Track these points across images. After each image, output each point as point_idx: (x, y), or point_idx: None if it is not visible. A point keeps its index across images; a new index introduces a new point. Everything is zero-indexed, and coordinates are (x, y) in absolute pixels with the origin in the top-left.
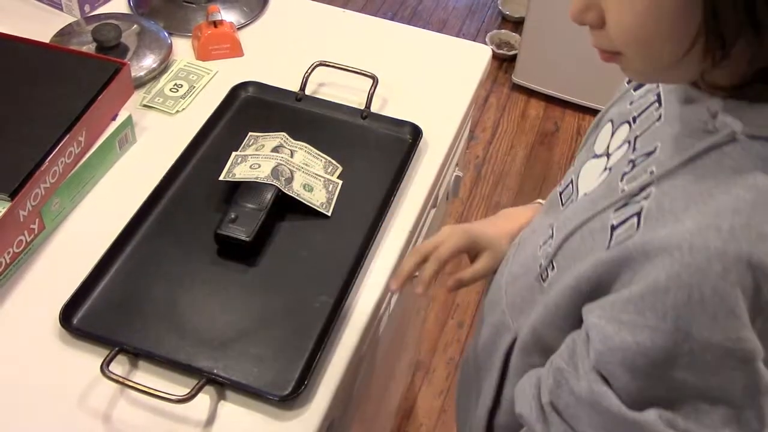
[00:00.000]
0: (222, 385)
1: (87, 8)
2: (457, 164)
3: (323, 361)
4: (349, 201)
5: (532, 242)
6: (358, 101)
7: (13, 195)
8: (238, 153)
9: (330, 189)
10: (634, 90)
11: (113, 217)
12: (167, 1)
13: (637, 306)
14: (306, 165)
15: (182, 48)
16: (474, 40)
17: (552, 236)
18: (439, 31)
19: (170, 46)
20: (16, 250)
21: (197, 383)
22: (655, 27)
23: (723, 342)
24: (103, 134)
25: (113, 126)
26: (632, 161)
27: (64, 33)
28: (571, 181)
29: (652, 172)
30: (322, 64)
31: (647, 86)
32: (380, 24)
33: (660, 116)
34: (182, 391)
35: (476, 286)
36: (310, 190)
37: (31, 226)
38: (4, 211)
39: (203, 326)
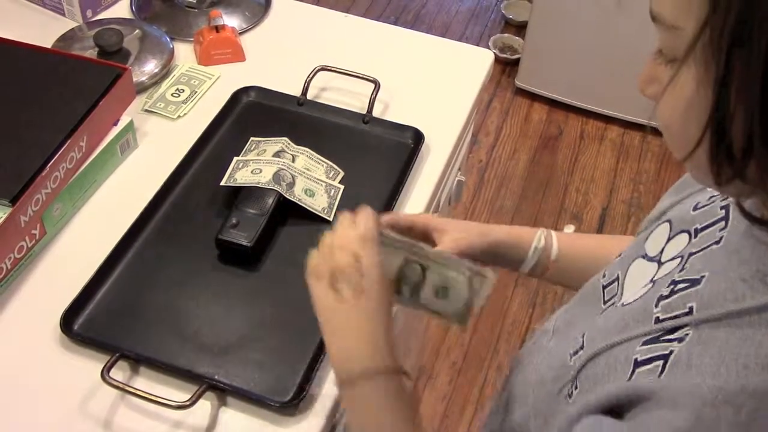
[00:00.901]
0: (223, 391)
1: (89, 13)
2: (459, 169)
3: (324, 367)
4: (351, 206)
5: (564, 345)
6: (359, 106)
7: (14, 200)
8: (239, 158)
9: (332, 194)
10: (699, 194)
11: (114, 223)
12: (169, 6)
13: None
14: (307, 170)
15: (184, 53)
16: (477, 45)
17: (582, 347)
18: (442, 35)
19: (172, 51)
20: (17, 256)
21: (198, 389)
22: (670, 113)
23: None
24: (105, 139)
25: (115, 131)
26: (674, 282)
27: (66, 38)
28: (617, 278)
29: (690, 310)
30: (323, 68)
31: (716, 193)
32: (382, 28)
33: (720, 239)
34: (183, 397)
35: None
36: (312, 195)
37: (32, 232)
38: (5, 216)
39: (204, 332)
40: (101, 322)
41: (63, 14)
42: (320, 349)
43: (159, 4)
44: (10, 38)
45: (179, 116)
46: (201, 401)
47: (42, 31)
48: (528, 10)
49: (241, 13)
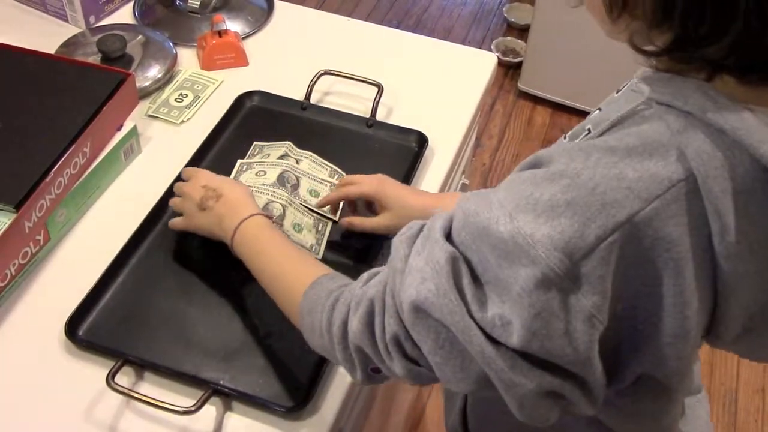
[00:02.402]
0: (228, 396)
1: (92, 19)
2: (463, 172)
3: (330, 372)
4: (355, 208)
5: None
6: (363, 109)
7: (18, 206)
8: (243, 161)
9: None
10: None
11: (119, 228)
12: (172, 11)
13: (506, 183)
14: (312, 172)
15: (187, 58)
16: (479, 48)
17: None
18: (444, 39)
19: (175, 56)
20: (22, 262)
21: (203, 394)
22: None
23: (528, 238)
24: (109, 145)
25: (118, 136)
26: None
27: (70, 44)
28: None
29: (589, 130)
30: (327, 72)
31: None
32: (385, 32)
33: (618, 91)
34: (188, 402)
35: None
36: (317, 195)
37: (37, 238)
38: (9, 222)
39: (209, 337)
40: (106, 328)
41: (66, 20)
42: None
43: (162, 10)
44: (14, 44)
45: (183, 121)
46: (206, 406)
47: (45, 37)
48: (530, 13)
49: (244, 17)
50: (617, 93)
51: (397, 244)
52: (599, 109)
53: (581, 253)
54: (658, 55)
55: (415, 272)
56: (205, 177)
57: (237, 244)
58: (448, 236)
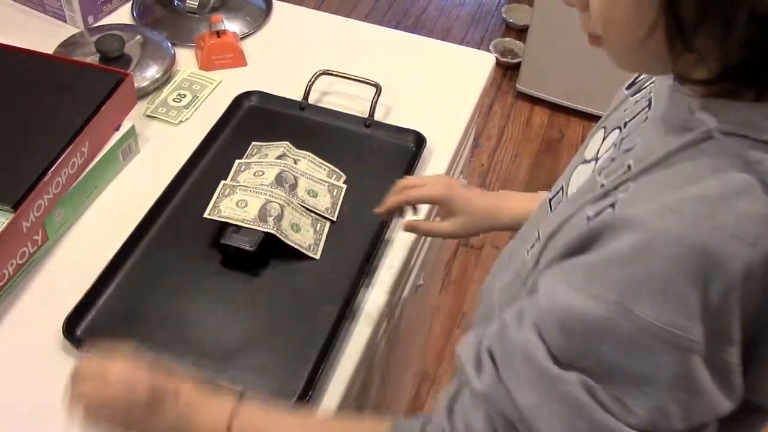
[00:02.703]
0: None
1: (90, 19)
2: (461, 172)
3: (328, 371)
4: (354, 209)
5: (521, 250)
6: (361, 110)
7: (16, 206)
8: (241, 161)
9: (335, 194)
10: (632, 96)
11: (117, 228)
12: (170, 11)
13: (588, 272)
14: (310, 172)
15: (185, 58)
16: (478, 48)
17: (538, 238)
18: (443, 39)
19: (173, 57)
20: (20, 262)
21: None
22: (620, 8)
23: (662, 325)
24: (107, 145)
25: (116, 136)
26: (611, 158)
27: (68, 44)
28: (562, 188)
29: (629, 167)
30: (325, 72)
31: (643, 92)
32: (383, 32)
33: (646, 118)
34: None
35: None
36: (315, 195)
37: (35, 238)
38: (7, 222)
39: (207, 336)
40: (104, 328)
41: (65, 20)
42: (324, 354)
43: (160, 10)
44: (12, 44)
45: (181, 121)
46: None
47: (44, 37)
48: (529, 14)
49: (242, 18)
50: (644, 123)
51: (484, 384)
52: (619, 128)
53: (712, 315)
54: (710, 84)
55: (543, 419)
56: (125, 372)
57: None
58: (556, 360)
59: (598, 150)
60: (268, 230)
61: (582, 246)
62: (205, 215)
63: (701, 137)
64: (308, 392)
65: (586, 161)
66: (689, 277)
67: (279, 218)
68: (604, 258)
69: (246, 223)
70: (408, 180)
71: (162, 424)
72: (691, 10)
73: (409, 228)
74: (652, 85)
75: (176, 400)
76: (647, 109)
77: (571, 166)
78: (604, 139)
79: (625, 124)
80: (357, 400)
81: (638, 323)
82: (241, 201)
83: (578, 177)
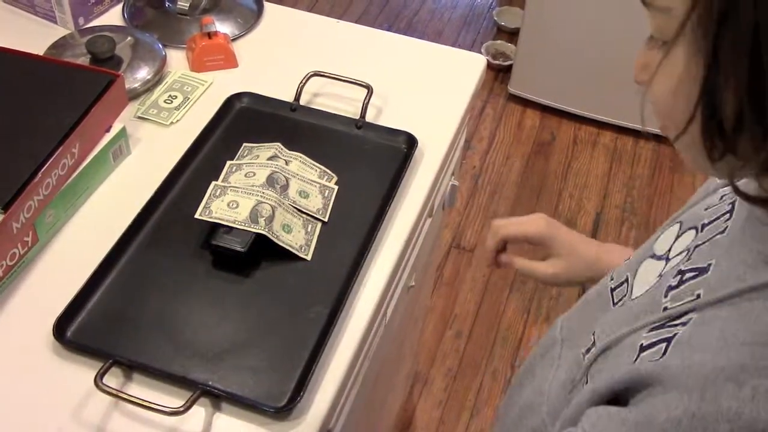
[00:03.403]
0: (217, 397)
1: (81, 21)
2: (453, 173)
3: (319, 372)
4: (345, 210)
5: (576, 348)
6: (352, 111)
7: (6, 207)
8: (233, 162)
9: (326, 195)
10: (722, 188)
11: (107, 229)
12: (161, 13)
13: (629, 429)
14: (301, 173)
15: (176, 59)
16: (470, 51)
17: (594, 344)
18: (435, 41)
19: (164, 58)
20: (9, 263)
21: (192, 395)
22: (661, 92)
23: None
24: (97, 146)
25: (107, 138)
26: (681, 273)
27: (59, 45)
28: (626, 279)
29: (698, 296)
30: (316, 74)
31: (725, 192)
32: (374, 34)
33: (725, 229)
34: (177, 403)
35: (475, 296)
36: (306, 196)
37: (25, 239)
38: None
39: (198, 338)
40: (94, 329)
41: (55, 22)
42: (315, 355)
43: (151, 12)
44: (2, 45)
45: (172, 122)
46: (195, 407)
47: (34, 38)
48: (520, 17)
49: (234, 19)
50: (721, 235)
51: None
52: (696, 228)
53: None
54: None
55: None
56: None
57: None
58: None
59: (671, 248)
60: (259, 231)
61: (625, 390)
62: (196, 216)
63: None
64: (299, 393)
65: (655, 256)
66: None
67: (270, 219)
68: (647, 418)
69: (237, 224)
70: (502, 220)
71: None
72: (729, 103)
73: (507, 263)
74: None
75: None
76: (728, 215)
77: (638, 256)
78: (678, 237)
79: (703, 227)
80: (347, 401)
81: None
82: (232, 202)
83: (645, 273)
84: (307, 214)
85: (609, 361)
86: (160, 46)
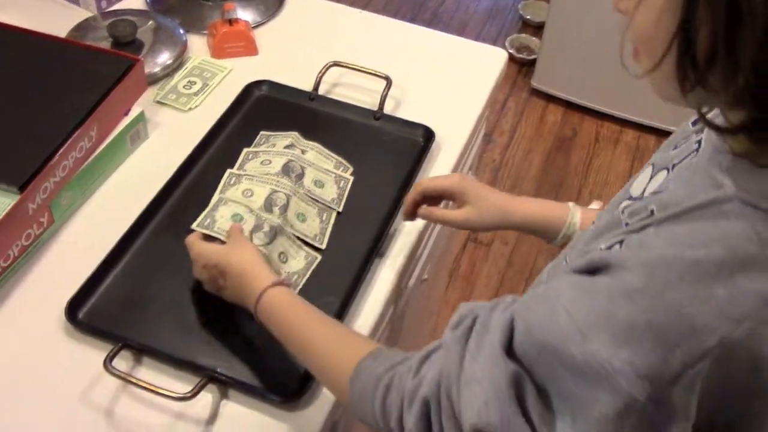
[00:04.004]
0: (224, 384)
1: (104, 4)
2: (470, 168)
3: None
4: (360, 201)
5: (551, 275)
6: (371, 102)
7: (22, 188)
8: (249, 149)
9: (341, 185)
10: (695, 135)
11: (123, 213)
12: None
13: (573, 288)
14: (317, 163)
15: (197, 45)
16: (494, 44)
17: (566, 263)
18: (459, 34)
19: (185, 43)
20: (25, 243)
21: (200, 381)
22: (644, 19)
23: (608, 366)
24: (115, 129)
25: (125, 121)
26: (642, 197)
27: (81, 28)
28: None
29: (652, 212)
30: (336, 64)
31: (696, 131)
32: (395, 25)
33: (690, 164)
34: (185, 388)
35: (491, 290)
36: (321, 186)
37: (40, 220)
38: (13, 203)
39: (208, 325)
40: (106, 312)
41: (78, 4)
42: None
43: None
44: (26, 27)
45: (190, 108)
46: (202, 393)
47: (57, 20)
48: (545, 11)
49: (255, 6)
50: (683, 159)
51: (450, 341)
52: (667, 169)
53: (666, 381)
54: (733, 133)
55: (474, 386)
56: (201, 256)
57: (264, 321)
58: (509, 350)
59: (644, 189)
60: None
61: (585, 271)
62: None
63: (723, 199)
64: (307, 384)
65: (631, 198)
66: (654, 335)
67: (284, 208)
68: (591, 287)
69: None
70: (423, 179)
71: (228, 298)
72: (704, 37)
73: (424, 214)
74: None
75: (225, 280)
76: (695, 153)
77: (615, 200)
78: (651, 178)
79: (674, 166)
80: None
81: (588, 355)
82: (246, 190)
83: None
84: (322, 204)
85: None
86: (182, 31)
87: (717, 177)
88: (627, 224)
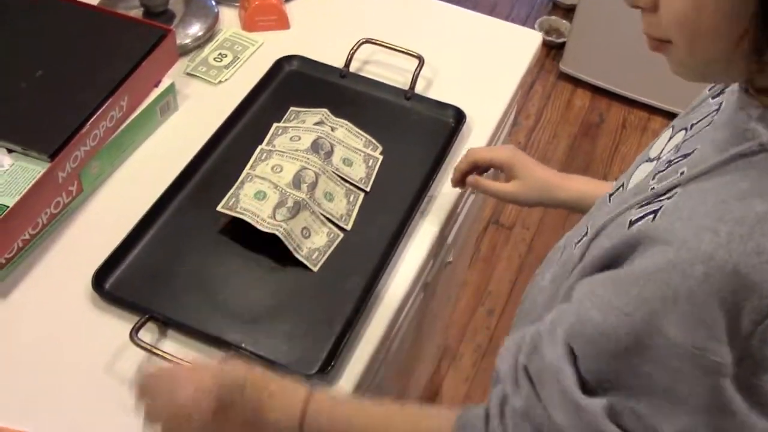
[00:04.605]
0: (249, 360)
1: None
2: None
3: (352, 342)
4: (388, 181)
5: (570, 243)
6: (402, 81)
7: (53, 156)
8: (279, 124)
9: (370, 164)
10: (712, 99)
11: (151, 184)
12: None
13: (616, 287)
14: (346, 141)
15: (229, 18)
16: (523, 25)
17: (587, 233)
18: (489, 14)
19: (217, 15)
20: (54, 211)
21: (225, 356)
22: (707, 16)
23: (688, 347)
24: (146, 100)
25: (155, 93)
26: (669, 162)
27: None
28: (623, 185)
29: (682, 173)
30: (368, 41)
31: (717, 96)
32: (429, 3)
33: (711, 122)
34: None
35: (510, 274)
36: (350, 164)
37: (69, 188)
38: (43, 171)
39: (234, 300)
40: (132, 283)
41: None
42: (349, 324)
43: None
44: None
45: (220, 81)
46: None
47: None
48: None
49: None
50: (708, 127)
51: (520, 404)
52: (685, 129)
53: (743, 339)
54: None
55: None
56: (175, 384)
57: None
58: (584, 384)
59: (663, 149)
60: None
61: (618, 256)
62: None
63: (755, 149)
64: (331, 362)
65: (650, 159)
66: (718, 299)
67: (313, 186)
68: (636, 273)
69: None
70: (474, 148)
71: (237, 427)
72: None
73: (473, 183)
74: (729, 89)
75: (243, 399)
76: (715, 113)
77: (635, 163)
78: (670, 138)
79: (692, 126)
80: (377, 372)
81: (666, 343)
82: (276, 166)
83: (640, 174)
84: (350, 183)
85: (601, 242)
86: (213, 2)
87: (747, 126)
88: (653, 188)
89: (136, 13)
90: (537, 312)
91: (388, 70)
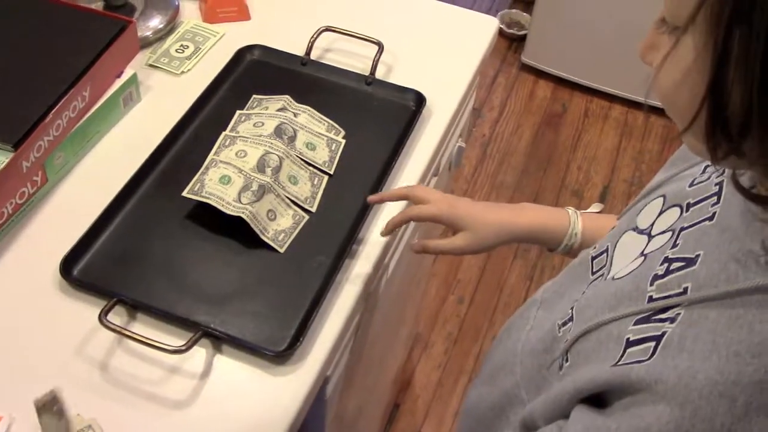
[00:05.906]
0: (218, 339)
1: None
2: (460, 135)
3: (319, 321)
4: (351, 164)
5: (552, 316)
6: (363, 67)
7: (16, 145)
8: (242, 111)
9: (333, 148)
10: (705, 170)
11: (116, 173)
12: None
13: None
14: (309, 126)
15: (189, 10)
16: None
17: (571, 318)
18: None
19: (177, 8)
20: (19, 201)
21: (193, 336)
22: (667, 83)
23: None
24: (108, 91)
25: (118, 83)
26: (668, 260)
27: None
28: (606, 250)
29: (685, 290)
30: (328, 29)
31: (712, 169)
32: None
33: (713, 216)
34: (179, 342)
35: (479, 262)
36: (313, 148)
37: (34, 178)
38: (7, 161)
39: (202, 282)
40: (100, 269)
41: None
42: (315, 304)
43: None
44: None
45: (183, 72)
46: (196, 348)
47: None
48: None
49: None
50: (709, 222)
51: None
52: (680, 207)
53: None
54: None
55: None
56: None
57: None
58: None
59: (653, 223)
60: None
61: (613, 392)
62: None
63: (762, 282)
64: (298, 339)
65: (638, 229)
66: None
67: (277, 170)
68: (634, 430)
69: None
70: (413, 190)
71: None
72: (736, 102)
73: (418, 250)
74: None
75: None
76: (715, 199)
77: (619, 228)
78: (660, 213)
79: (688, 206)
80: (347, 351)
81: None
82: (240, 151)
83: (626, 246)
84: (314, 167)
85: (590, 346)
86: None
87: (762, 257)
88: (652, 298)
89: (97, 5)
90: (515, 369)
91: (349, 57)
